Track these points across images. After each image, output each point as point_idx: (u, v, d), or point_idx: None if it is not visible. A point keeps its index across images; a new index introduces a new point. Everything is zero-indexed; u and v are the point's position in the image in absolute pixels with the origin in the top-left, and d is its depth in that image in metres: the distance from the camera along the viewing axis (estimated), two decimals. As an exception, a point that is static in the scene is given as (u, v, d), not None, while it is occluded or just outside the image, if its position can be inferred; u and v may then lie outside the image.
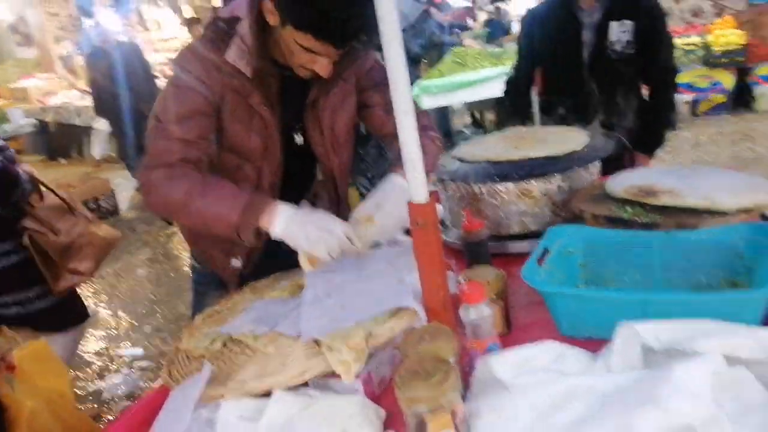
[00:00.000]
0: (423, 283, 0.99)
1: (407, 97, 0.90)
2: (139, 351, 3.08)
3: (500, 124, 6.53)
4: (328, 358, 0.90)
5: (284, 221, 1.23)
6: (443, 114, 6.66)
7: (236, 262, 1.48)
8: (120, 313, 3.78)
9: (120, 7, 7.39)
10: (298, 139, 1.45)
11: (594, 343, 0.97)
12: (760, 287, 0.97)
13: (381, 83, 1.53)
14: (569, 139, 1.53)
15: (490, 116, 7.26)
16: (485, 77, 5.84)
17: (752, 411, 0.76)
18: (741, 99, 6.02)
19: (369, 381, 0.97)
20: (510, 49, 6.26)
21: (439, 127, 6.79)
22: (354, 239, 1.24)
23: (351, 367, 0.89)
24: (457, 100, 6.29)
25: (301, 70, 1.31)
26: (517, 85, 2.29)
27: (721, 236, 1.12)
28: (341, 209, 1.58)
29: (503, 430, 0.83)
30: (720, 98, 5.98)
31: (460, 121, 7.32)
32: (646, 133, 1.93)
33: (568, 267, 1.20)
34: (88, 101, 6.46)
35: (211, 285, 1.57)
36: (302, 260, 1.27)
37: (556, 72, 2.12)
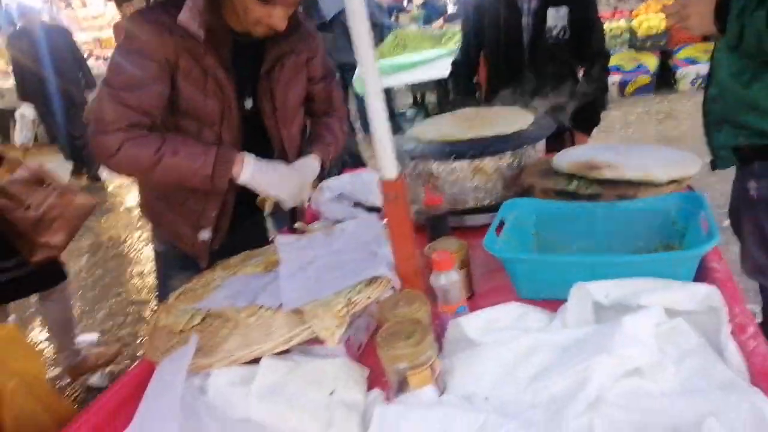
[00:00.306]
0: (395, 252, 1.06)
1: (377, 80, 0.97)
2: (93, 337, 3.02)
3: (441, 105, 6.69)
4: (312, 325, 0.96)
5: (250, 169, 1.38)
6: (386, 94, 6.74)
7: (205, 234, 1.50)
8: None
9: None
10: (248, 102, 1.48)
11: (550, 303, 1.08)
12: (691, 248, 1.11)
13: (325, 77, 1.63)
14: (516, 119, 1.63)
15: (431, 97, 7.39)
16: (426, 59, 5.93)
17: (689, 355, 0.88)
18: (664, 80, 6.41)
19: (349, 346, 1.04)
20: (449, 31, 6.37)
21: (382, 108, 6.88)
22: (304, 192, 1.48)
23: (334, 333, 0.95)
24: (398, 81, 6.36)
25: (257, 28, 1.34)
26: (462, 68, 2.38)
27: (655, 205, 1.26)
28: None
29: (475, 384, 0.93)
30: (645, 79, 6.34)
31: (402, 103, 7.40)
32: (583, 113, 2.07)
33: (521, 236, 1.31)
34: (10, 83, 6.11)
35: (177, 267, 1.59)
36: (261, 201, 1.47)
37: (498, 56, 2.23)
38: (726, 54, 1.43)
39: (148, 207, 1.60)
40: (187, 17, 1.31)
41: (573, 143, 2.22)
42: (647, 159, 1.33)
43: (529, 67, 2.14)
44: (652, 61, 6.33)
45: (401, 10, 9.00)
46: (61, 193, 2.25)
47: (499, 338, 0.98)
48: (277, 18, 1.31)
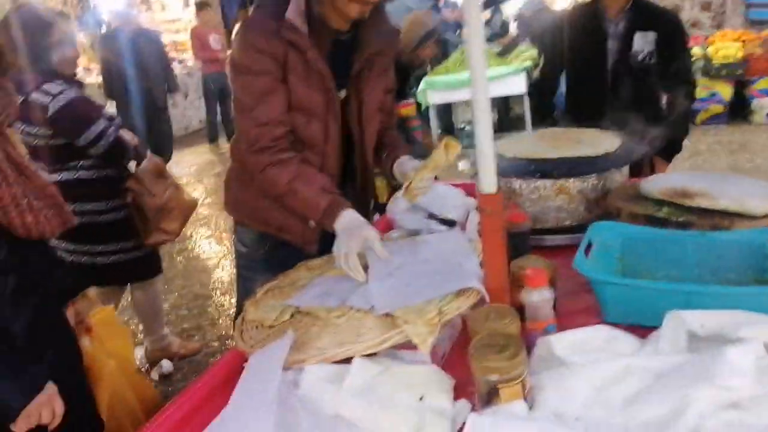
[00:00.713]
0: (487, 266, 1.08)
1: (486, 97, 0.99)
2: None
3: (502, 123, 6.67)
4: (406, 330, 0.99)
5: (341, 226, 1.35)
6: (447, 110, 6.76)
7: (312, 222, 1.56)
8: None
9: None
10: (341, 93, 1.55)
11: (636, 329, 1.07)
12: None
13: (392, 90, 1.71)
14: (602, 141, 1.63)
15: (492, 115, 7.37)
16: (492, 76, 5.93)
17: (791, 391, 0.86)
18: (738, 111, 6.18)
19: (435, 354, 1.06)
20: (516, 50, 6.35)
21: (443, 123, 6.84)
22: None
23: (426, 340, 0.97)
24: (460, 97, 6.39)
25: (351, 7, 1.37)
26: (541, 88, 2.39)
27: (750, 238, 1.23)
28: (368, 194, 1.72)
29: (564, 403, 0.93)
30: (718, 108, 6.13)
31: (462, 118, 7.41)
32: (665, 139, 2.03)
33: (607, 260, 1.30)
34: (92, 79, 6.45)
35: (258, 270, 1.64)
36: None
37: (580, 78, 2.22)
38: None
39: (242, 207, 1.66)
40: (293, 13, 1.40)
41: (652, 170, 2.18)
42: (743, 190, 1.30)
43: (611, 90, 2.13)
44: (726, 90, 6.12)
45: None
46: (176, 186, 2.50)
47: (589, 359, 0.98)
48: None
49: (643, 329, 1.06)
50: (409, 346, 1.02)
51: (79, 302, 1.35)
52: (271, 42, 1.38)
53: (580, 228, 1.56)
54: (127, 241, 2.43)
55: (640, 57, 2.06)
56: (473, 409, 0.94)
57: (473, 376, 0.93)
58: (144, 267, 2.59)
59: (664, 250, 1.29)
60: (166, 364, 2.79)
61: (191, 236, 4.72)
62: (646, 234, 1.31)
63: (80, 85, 2.34)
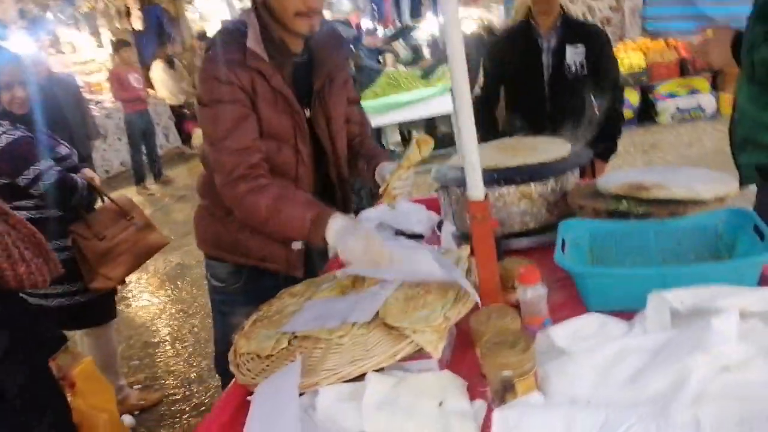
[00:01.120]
0: (479, 269, 1.13)
1: (469, 108, 1.05)
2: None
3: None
4: (415, 339, 1.01)
5: (334, 232, 1.35)
6: (377, 133, 6.88)
7: (296, 245, 1.56)
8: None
9: (35, 29, 7.05)
10: (307, 112, 1.57)
11: (618, 315, 1.14)
12: (747, 258, 1.20)
13: (357, 101, 1.79)
14: (555, 147, 1.73)
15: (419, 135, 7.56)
16: (419, 98, 6.13)
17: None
18: (645, 114, 6.69)
19: (439, 361, 1.09)
20: (439, 71, 6.59)
21: (375, 146, 6.96)
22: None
23: (437, 346, 1.00)
24: (390, 119, 6.54)
25: (299, 23, 1.42)
26: (485, 102, 2.51)
27: (703, 221, 1.35)
28: (348, 207, 1.74)
29: (573, 389, 0.98)
30: (629, 114, 6.60)
31: (391, 140, 7.55)
32: (602, 142, 2.19)
33: (579, 254, 1.38)
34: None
35: (237, 303, 1.62)
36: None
37: (520, 91, 2.36)
38: (745, 82, 1.56)
39: (218, 242, 1.62)
40: (253, 41, 1.42)
41: (593, 170, 2.33)
42: (690, 178, 1.42)
43: (549, 101, 2.27)
44: (634, 97, 6.61)
45: (386, 52, 9.31)
46: (139, 229, 2.42)
47: (588, 345, 1.04)
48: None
49: (624, 314, 1.14)
50: (414, 357, 1.05)
51: (61, 357, 1.27)
52: (237, 72, 1.40)
53: (543, 230, 1.65)
54: (71, 284, 2.33)
55: (573, 68, 2.22)
56: (489, 407, 0.97)
57: (487, 374, 0.97)
58: (92, 312, 2.48)
59: (629, 240, 1.39)
60: (128, 419, 2.64)
61: (133, 282, 4.52)
62: (611, 227, 1.41)
63: (30, 124, 2.27)
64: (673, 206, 1.38)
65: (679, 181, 1.41)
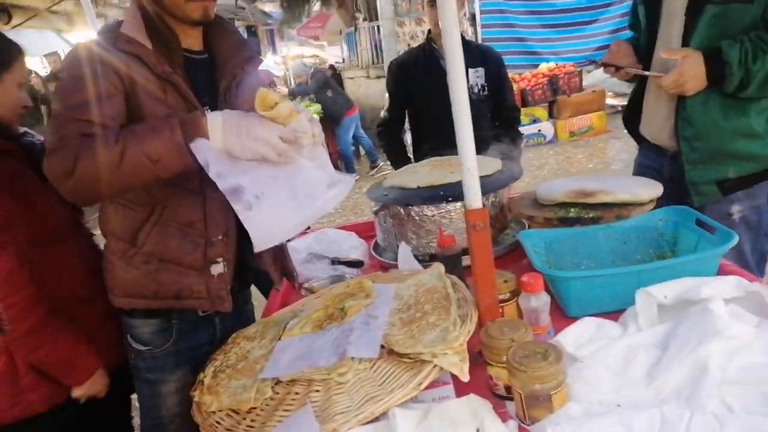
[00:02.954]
0: (478, 282, 1.08)
1: (468, 119, 1.02)
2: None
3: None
4: (439, 363, 0.92)
5: (219, 131, 1.14)
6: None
7: (218, 268, 1.34)
8: None
9: None
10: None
11: (601, 316, 1.16)
12: (690, 253, 1.30)
13: None
14: (486, 163, 1.76)
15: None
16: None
17: (763, 329, 1.01)
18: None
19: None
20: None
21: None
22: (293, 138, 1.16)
23: (463, 367, 0.92)
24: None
25: (190, 8, 1.28)
26: (390, 125, 2.50)
27: (645, 222, 1.44)
28: None
29: (596, 394, 0.96)
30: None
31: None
32: (505, 159, 2.29)
33: (538, 262, 1.39)
34: None
35: (168, 368, 1.39)
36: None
37: (425, 113, 2.39)
38: (713, 97, 1.55)
39: (129, 287, 1.34)
40: (129, 26, 1.26)
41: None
42: (627, 183, 1.52)
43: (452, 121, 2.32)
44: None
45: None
46: None
47: (594, 349, 1.04)
48: None
49: (604, 315, 1.16)
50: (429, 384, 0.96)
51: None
52: (110, 56, 1.21)
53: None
54: None
55: (475, 89, 2.30)
56: (520, 427, 0.92)
57: (515, 390, 0.91)
58: None
59: (581, 245, 1.44)
60: None
61: None
62: (564, 234, 1.45)
63: None
64: (617, 209, 1.46)
65: (618, 186, 1.50)
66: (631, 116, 1.87)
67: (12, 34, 1.70)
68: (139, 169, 1.13)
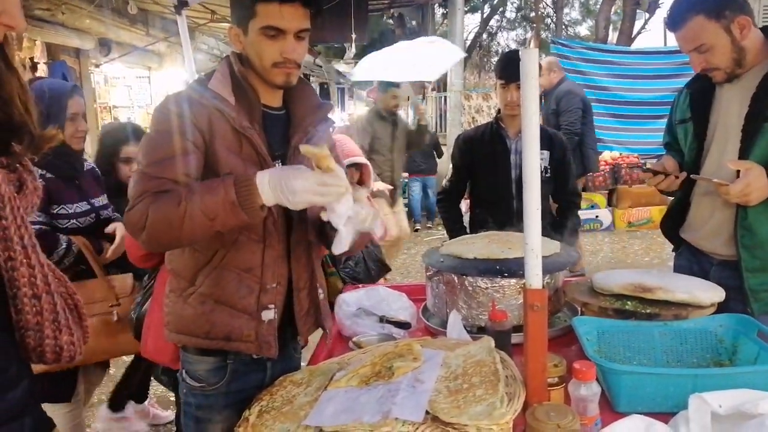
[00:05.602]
0: (529, 362, 1.08)
1: (537, 195, 1.05)
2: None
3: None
4: (483, 435, 0.93)
5: (267, 188, 1.22)
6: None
7: (268, 314, 1.38)
8: None
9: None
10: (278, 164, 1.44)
11: (649, 416, 1.13)
12: (750, 364, 1.26)
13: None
14: (544, 244, 1.77)
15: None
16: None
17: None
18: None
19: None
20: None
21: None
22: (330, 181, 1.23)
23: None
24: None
25: (277, 73, 1.37)
26: (450, 196, 2.56)
27: (704, 325, 1.41)
28: (315, 280, 1.53)
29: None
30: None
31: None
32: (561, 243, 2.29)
33: (589, 351, 1.38)
34: None
35: (216, 407, 1.42)
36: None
37: (486, 187, 2.44)
38: None
39: (184, 324, 1.40)
40: (217, 82, 1.37)
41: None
42: (688, 283, 1.51)
43: (516, 198, 2.36)
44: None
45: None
46: (115, 321, 2.18)
47: (642, 449, 1.02)
48: (290, 46, 1.36)
49: (653, 415, 1.13)
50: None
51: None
52: (194, 109, 1.32)
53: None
54: None
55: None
56: None
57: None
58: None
59: (634, 339, 1.42)
60: None
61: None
62: (618, 326, 1.43)
63: (79, 162, 2.25)
64: (675, 308, 1.44)
65: (678, 286, 1.49)
66: (671, 223, 1.93)
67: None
68: (199, 225, 1.23)
